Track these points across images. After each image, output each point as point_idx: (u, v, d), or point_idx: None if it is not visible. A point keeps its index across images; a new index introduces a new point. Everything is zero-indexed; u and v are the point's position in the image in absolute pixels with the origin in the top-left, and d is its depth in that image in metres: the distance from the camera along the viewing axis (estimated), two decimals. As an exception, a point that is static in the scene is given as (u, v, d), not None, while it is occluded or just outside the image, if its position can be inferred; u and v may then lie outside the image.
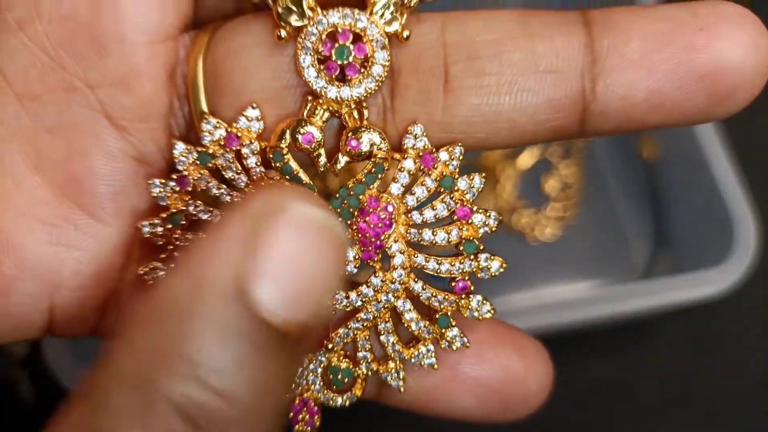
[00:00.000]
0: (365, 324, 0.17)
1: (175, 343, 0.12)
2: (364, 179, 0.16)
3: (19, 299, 0.16)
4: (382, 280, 0.16)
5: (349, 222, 0.16)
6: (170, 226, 0.16)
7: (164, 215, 0.16)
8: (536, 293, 0.42)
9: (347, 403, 0.17)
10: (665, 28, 0.16)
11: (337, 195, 0.16)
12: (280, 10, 0.15)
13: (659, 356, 0.42)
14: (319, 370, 0.17)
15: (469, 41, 0.16)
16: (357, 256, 0.16)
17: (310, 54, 0.15)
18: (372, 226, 0.16)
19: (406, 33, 0.15)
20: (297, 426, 0.17)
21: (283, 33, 0.15)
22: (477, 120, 0.16)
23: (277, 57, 0.16)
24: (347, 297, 0.16)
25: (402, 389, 0.17)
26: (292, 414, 0.17)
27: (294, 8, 0.15)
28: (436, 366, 0.17)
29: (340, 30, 0.15)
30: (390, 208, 0.16)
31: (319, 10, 0.15)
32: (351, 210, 0.16)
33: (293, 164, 0.16)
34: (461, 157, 0.16)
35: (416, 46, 0.16)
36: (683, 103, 0.16)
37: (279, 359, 0.12)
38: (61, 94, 0.16)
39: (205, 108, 0.16)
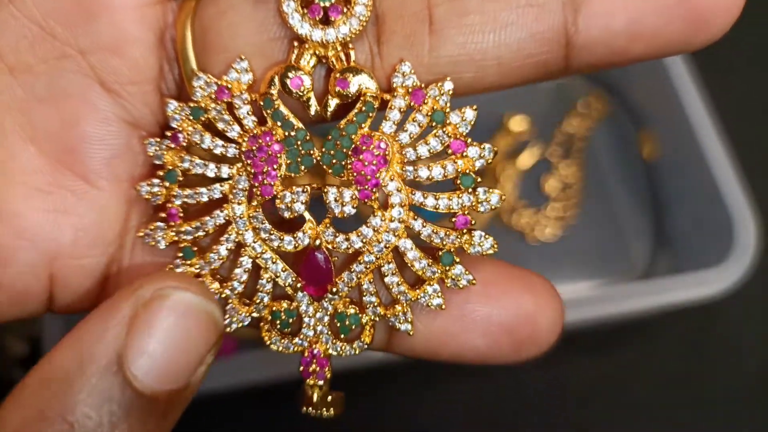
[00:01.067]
0: (368, 266, 0.16)
1: (59, 406, 0.14)
2: (355, 119, 0.16)
3: (18, 269, 0.16)
4: (381, 219, 0.16)
5: (343, 162, 0.16)
6: (168, 184, 0.16)
7: (161, 173, 0.16)
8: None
9: (356, 351, 0.17)
10: None
11: (330, 137, 0.16)
12: None
13: (659, 356, 0.42)
14: (326, 318, 0.17)
15: None
16: (354, 196, 0.16)
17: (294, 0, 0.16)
18: (366, 164, 0.16)
19: None
20: (308, 379, 0.17)
21: None
22: (463, 59, 0.16)
23: (261, 11, 0.16)
24: (347, 239, 0.16)
25: (411, 332, 0.17)
26: (302, 367, 0.17)
27: None
28: (443, 306, 0.17)
29: None
30: (383, 145, 0.16)
31: None
32: (344, 150, 0.16)
33: (284, 109, 0.16)
34: (451, 92, 0.16)
35: None
36: (663, 30, 0.16)
37: (150, 419, 0.14)
38: (52, 63, 0.16)
39: (194, 67, 0.16)
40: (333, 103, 0.16)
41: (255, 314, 0.17)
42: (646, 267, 0.44)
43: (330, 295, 0.16)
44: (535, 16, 0.16)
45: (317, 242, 0.16)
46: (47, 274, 0.16)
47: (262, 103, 0.16)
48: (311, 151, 0.16)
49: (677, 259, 0.43)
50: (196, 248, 0.16)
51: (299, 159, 0.16)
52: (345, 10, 0.15)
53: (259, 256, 0.16)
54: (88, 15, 0.16)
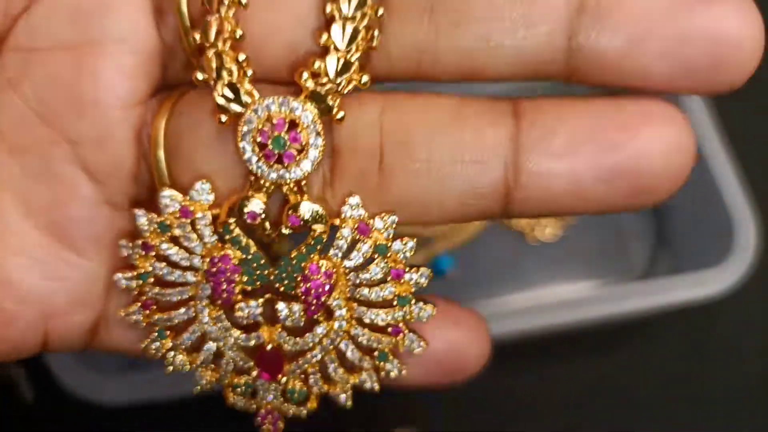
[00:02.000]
0: (314, 360, 0.19)
1: None
2: (304, 250, 0.18)
3: (18, 328, 0.18)
4: (325, 329, 0.18)
5: (293, 284, 0.18)
6: (141, 282, 0.18)
7: (135, 273, 0.18)
8: (536, 293, 0.42)
9: (304, 413, 0.20)
10: (590, 124, 0.17)
11: (282, 263, 0.18)
12: (218, 99, 0.17)
13: (659, 356, 0.42)
14: (278, 390, 0.19)
15: (404, 126, 0.17)
16: (302, 313, 0.18)
17: (249, 141, 0.17)
18: (314, 291, 0.18)
19: (340, 115, 0.17)
20: (263, 427, 0.20)
21: (223, 118, 0.17)
22: (409, 199, 0.17)
23: (224, 134, 0.17)
24: (296, 342, 0.19)
25: (349, 406, 0.19)
26: (259, 418, 0.20)
27: (232, 96, 0.17)
28: (377, 388, 0.19)
29: (275, 120, 0.17)
30: (330, 272, 0.18)
31: (256, 95, 0.17)
32: (295, 275, 0.18)
33: (242, 237, 0.18)
34: (395, 224, 0.18)
35: (355, 126, 0.17)
36: (604, 195, 0.17)
37: None
38: (45, 147, 0.18)
39: (165, 172, 0.18)
40: (286, 231, 0.18)
41: (218, 382, 0.19)
42: (646, 267, 0.44)
43: (281, 378, 0.19)
44: (477, 171, 0.17)
45: (270, 344, 0.19)
46: (43, 330, 0.19)
47: (221, 230, 0.18)
48: (266, 272, 0.18)
49: (677, 260, 0.43)
50: (168, 330, 0.19)
51: (255, 277, 0.18)
52: (298, 156, 0.17)
53: (221, 345, 0.19)
54: (78, 110, 0.17)
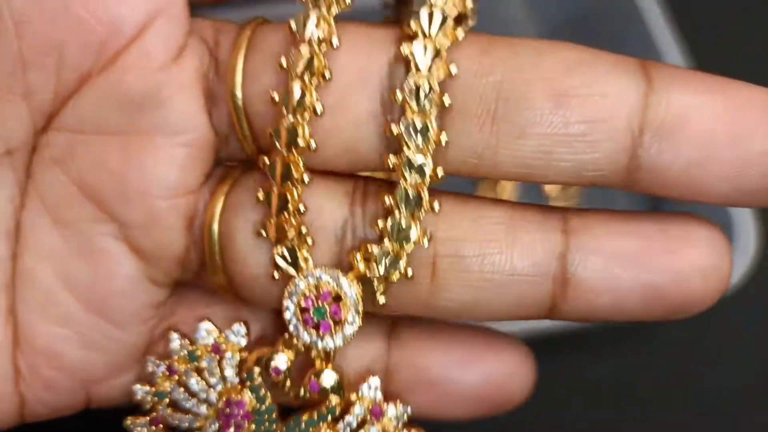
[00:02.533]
0: None
1: None
2: (316, 416, 0.18)
3: (57, 393, 0.19)
4: None
5: None
6: (156, 399, 0.19)
7: (153, 389, 0.19)
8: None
9: None
10: (634, 247, 0.17)
11: (292, 421, 0.19)
12: (276, 258, 0.17)
13: (659, 356, 0.42)
14: None
15: (457, 239, 0.17)
16: None
17: (294, 302, 0.18)
18: None
19: (382, 300, 0.18)
20: None
21: (276, 275, 0.18)
22: (457, 307, 0.18)
23: (263, 252, 0.18)
24: None
25: None
26: None
27: (289, 259, 0.18)
28: None
29: (322, 290, 0.18)
30: None
31: (310, 262, 0.18)
32: None
33: (262, 388, 0.18)
34: (407, 416, 0.18)
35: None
36: (642, 311, 0.18)
37: None
38: (89, 224, 0.18)
39: (219, 264, 0.18)
40: (306, 394, 0.18)
41: None
42: (646, 267, 0.44)
43: None
44: (526, 286, 0.17)
45: None
46: (84, 393, 0.19)
47: (245, 375, 0.18)
48: (275, 426, 0.19)
49: (677, 259, 0.43)
50: None
51: (263, 429, 0.19)
52: (334, 329, 0.18)
53: None
54: (124, 197, 0.18)
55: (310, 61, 0.16)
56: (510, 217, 0.17)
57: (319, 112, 0.17)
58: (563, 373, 0.41)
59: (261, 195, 0.17)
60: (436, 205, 0.17)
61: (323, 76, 0.17)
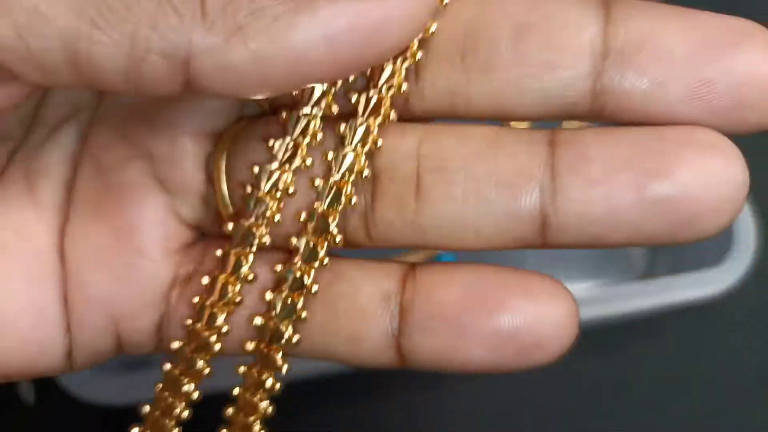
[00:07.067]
0: None
1: None
2: None
3: (87, 331, 0.19)
4: None
5: None
6: None
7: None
8: (536, 293, 0.42)
9: None
10: (628, 151, 0.16)
11: None
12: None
13: (659, 356, 0.42)
14: None
15: (441, 153, 0.17)
16: None
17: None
18: None
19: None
20: None
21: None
22: (444, 224, 0.17)
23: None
24: None
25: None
26: None
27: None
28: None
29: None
30: None
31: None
32: None
33: None
34: None
35: (394, 154, 0.18)
36: (642, 225, 0.16)
37: None
38: (124, 162, 0.19)
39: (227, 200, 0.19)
40: None
41: None
42: (646, 267, 0.44)
43: None
44: (512, 195, 0.17)
45: None
46: (114, 332, 0.19)
47: None
48: None
49: (677, 260, 0.43)
50: None
51: None
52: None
53: None
54: (154, 130, 0.19)
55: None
56: (495, 133, 0.18)
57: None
58: (563, 372, 0.41)
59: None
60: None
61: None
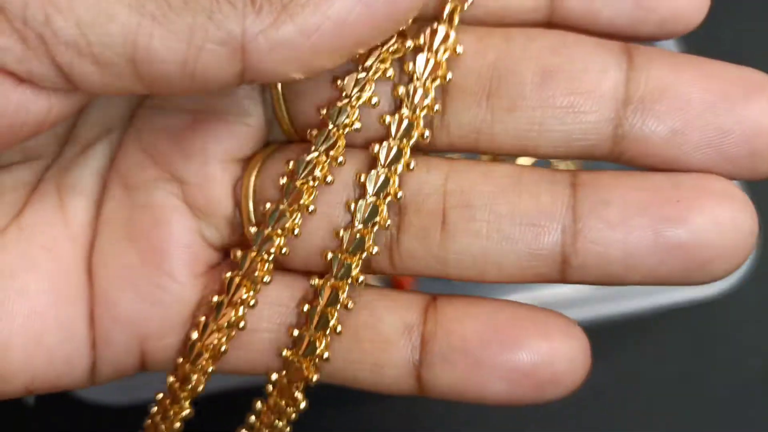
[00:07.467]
0: None
1: None
2: None
3: (114, 348, 0.19)
4: None
5: None
6: None
7: None
8: (536, 293, 0.42)
9: None
10: (645, 197, 0.17)
11: None
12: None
13: (659, 356, 0.42)
14: None
15: (466, 190, 0.18)
16: None
17: None
18: None
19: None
20: None
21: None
22: (467, 258, 0.18)
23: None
24: None
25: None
26: None
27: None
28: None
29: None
30: None
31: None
32: None
33: None
34: None
35: (421, 188, 0.18)
36: (657, 268, 0.17)
37: None
38: (153, 183, 0.19)
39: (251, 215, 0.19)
40: None
41: None
42: (646, 267, 0.43)
43: None
44: (534, 234, 0.17)
45: None
46: (139, 351, 0.19)
47: None
48: None
49: (677, 259, 0.43)
50: None
51: None
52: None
53: None
54: (186, 155, 0.19)
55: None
56: (518, 172, 0.18)
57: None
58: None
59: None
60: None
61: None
